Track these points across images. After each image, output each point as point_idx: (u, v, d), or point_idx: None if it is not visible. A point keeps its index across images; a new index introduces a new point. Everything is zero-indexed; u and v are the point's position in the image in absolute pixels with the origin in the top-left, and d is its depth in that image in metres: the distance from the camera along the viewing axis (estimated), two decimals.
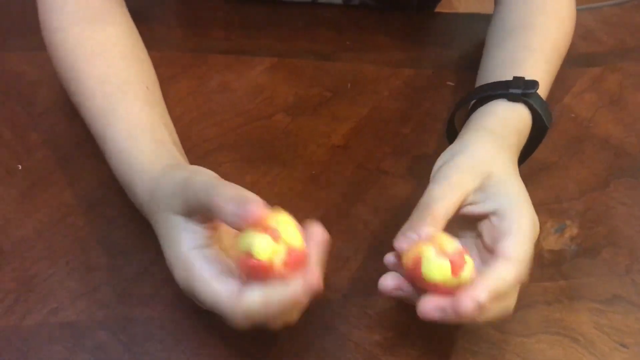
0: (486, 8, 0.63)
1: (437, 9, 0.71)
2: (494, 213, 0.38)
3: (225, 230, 0.37)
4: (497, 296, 0.35)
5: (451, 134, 0.48)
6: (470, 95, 0.47)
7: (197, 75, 0.57)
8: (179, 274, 0.36)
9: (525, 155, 0.47)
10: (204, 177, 0.36)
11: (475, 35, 0.63)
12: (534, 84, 0.45)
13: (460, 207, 0.39)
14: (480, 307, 0.33)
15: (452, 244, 0.35)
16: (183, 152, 0.44)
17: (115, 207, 0.46)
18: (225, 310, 0.34)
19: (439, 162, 0.42)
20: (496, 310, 0.36)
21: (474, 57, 0.61)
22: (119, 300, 0.41)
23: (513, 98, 0.45)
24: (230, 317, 0.34)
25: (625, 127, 0.55)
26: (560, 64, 0.52)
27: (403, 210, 0.47)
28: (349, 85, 0.57)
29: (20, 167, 0.48)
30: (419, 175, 0.50)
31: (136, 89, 0.45)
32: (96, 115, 0.44)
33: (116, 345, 0.39)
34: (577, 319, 0.42)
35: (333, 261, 0.44)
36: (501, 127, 0.44)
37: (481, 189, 0.39)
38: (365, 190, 0.49)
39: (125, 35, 0.48)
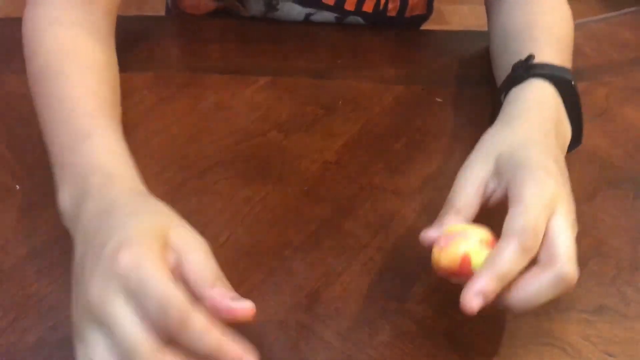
0: (481, 23, 0.64)
1: (429, 26, 0.73)
2: (508, 190, 0.38)
3: None
4: (505, 277, 0.34)
5: None
6: (495, 109, 0.49)
7: (193, 94, 0.58)
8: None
9: (578, 125, 0.47)
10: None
11: (464, 52, 0.65)
12: (529, 57, 0.46)
13: (486, 197, 0.40)
14: (488, 295, 0.33)
15: (483, 232, 0.36)
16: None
17: None
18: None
19: None
20: (531, 289, 0.35)
21: (463, 73, 0.62)
22: None
23: (519, 79, 0.46)
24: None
25: (611, 140, 0.56)
26: (571, 52, 0.53)
27: (395, 224, 0.49)
28: (340, 102, 0.58)
29: (18, 187, 0.49)
30: (411, 190, 0.51)
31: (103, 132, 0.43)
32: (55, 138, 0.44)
33: None
34: (565, 330, 0.43)
35: (325, 276, 0.45)
36: (514, 110, 0.45)
37: (495, 172, 0.40)
38: (358, 205, 0.50)
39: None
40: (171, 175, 0.50)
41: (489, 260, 0.35)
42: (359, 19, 0.67)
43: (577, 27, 0.59)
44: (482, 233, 0.37)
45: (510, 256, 0.35)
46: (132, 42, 0.53)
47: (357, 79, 0.61)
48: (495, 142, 0.42)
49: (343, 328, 0.42)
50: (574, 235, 0.37)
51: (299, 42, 0.64)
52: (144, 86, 0.57)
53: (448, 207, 0.40)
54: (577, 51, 0.57)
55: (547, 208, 0.36)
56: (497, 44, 0.57)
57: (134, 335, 0.30)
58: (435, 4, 0.72)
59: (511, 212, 0.36)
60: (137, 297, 0.30)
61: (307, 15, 0.66)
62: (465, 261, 0.35)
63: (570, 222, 0.37)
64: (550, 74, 0.46)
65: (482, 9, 0.63)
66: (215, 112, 0.57)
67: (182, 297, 0.30)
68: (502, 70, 0.52)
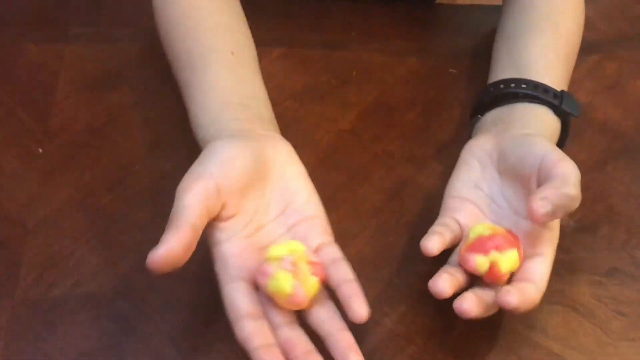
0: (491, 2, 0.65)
1: (440, 0, 0.73)
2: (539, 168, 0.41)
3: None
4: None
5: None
6: (512, 88, 0.48)
7: None
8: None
9: None
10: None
11: (476, 26, 0.65)
12: (578, 108, 0.48)
13: None
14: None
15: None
16: (262, 107, 0.48)
17: (134, 188, 0.48)
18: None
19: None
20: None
21: (477, 46, 0.63)
22: (139, 273, 0.42)
23: (558, 112, 0.47)
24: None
25: (622, 111, 0.57)
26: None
27: (409, 190, 0.50)
28: (354, 73, 0.59)
29: (41, 150, 0.50)
30: (424, 157, 0.52)
31: (218, 56, 0.49)
32: (183, 86, 0.48)
33: (137, 314, 0.41)
34: (577, 291, 0.44)
35: (341, 238, 0.46)
36: (550, 135, 0.46)
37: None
38: (372, 171, 0.51)
39: (220, 8, 0.53)
40: (189, 144, 0.51)
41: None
42: None
43: (591, 2, 0.59)
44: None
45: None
46: (149, 16, 0.53)
47: (370, 52, 0.61)
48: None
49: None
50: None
51: (312, 15, 0.65)
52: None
53: (561, 186, 0.39)
54: (590, 25, 0.58)
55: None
56: (510, 24, 0.55)
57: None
58: None
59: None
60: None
61: None
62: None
63: None
64: (567, 114, 0.47)
65: None
66: None
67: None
68: (517, 57, 0.52)
